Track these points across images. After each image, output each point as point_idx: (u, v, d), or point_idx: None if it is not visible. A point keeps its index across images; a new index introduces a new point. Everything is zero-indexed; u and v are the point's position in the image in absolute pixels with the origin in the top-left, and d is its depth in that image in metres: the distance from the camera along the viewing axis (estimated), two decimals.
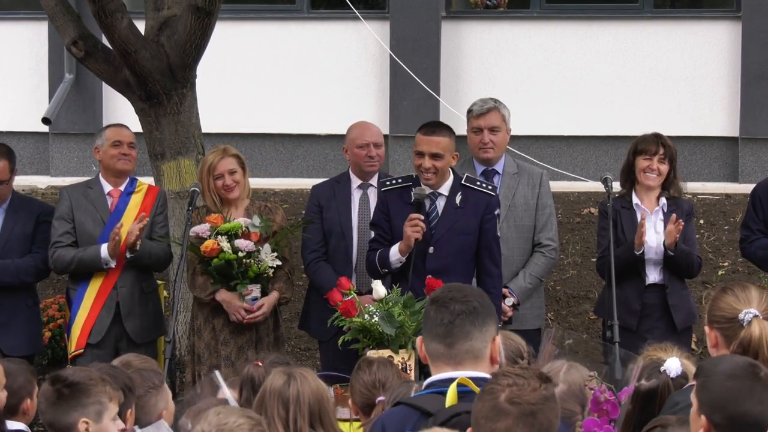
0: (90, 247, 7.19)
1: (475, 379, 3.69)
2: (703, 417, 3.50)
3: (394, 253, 6.60)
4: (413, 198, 6.60)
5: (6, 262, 7.28)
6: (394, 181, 6.81)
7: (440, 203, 6.71)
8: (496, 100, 7.39)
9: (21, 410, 5.13)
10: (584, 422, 3.93)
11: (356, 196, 7.39)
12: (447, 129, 6.72)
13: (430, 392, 3.78)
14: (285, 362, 5.11)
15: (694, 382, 3.69)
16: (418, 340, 3.93)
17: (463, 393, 3.68)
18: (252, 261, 6.96)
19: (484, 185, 6.78)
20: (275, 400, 4.41)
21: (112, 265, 7.15)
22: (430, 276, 6.47)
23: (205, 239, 6.94)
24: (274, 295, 7.14)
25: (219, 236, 6.92)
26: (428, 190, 6.64)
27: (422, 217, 6.54)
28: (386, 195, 6.78)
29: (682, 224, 7.01)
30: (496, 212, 6.79)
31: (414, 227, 6.48)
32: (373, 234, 6.83)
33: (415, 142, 6.71)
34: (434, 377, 3.83)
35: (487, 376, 3.70)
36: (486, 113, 7.30)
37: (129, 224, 7.22)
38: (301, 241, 7.40)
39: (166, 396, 4.91)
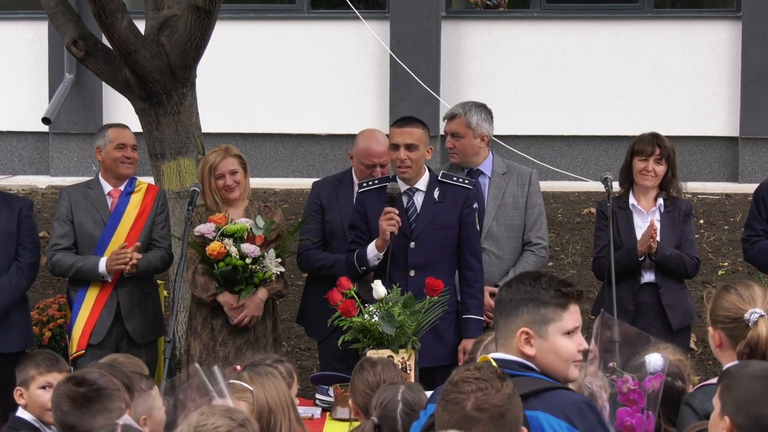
0: (90, 257, 7.17)
1: (498, 360, 3.75)
2: (726, 418, 3.46)
3: (371, 249, 6.55)
4: (387, 193, 6.56)
5: None
6: (371, 182, 6.78)
7: (418, 198, 6.68)
8: (469, 107, 7.29)
9: None
10: (617, 413, 3.93)
11: None
12: (420, 122, 6.75)
13: None
14: (279, 361, 5.09)
15: (695, 384, 3.67)
16: None
17: None
18: (257, 267, 6.93)
19: (460, 180, 6.77)
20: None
21: (109, 279, 7.15)
22: (413, 271, 6.53)
23: (210, 240, 6.92)
24: (261, 294, 7.01)
25: (225, 239, 6.90)
26: (404, 187, 6.63)
27: (396, 211, 6.49)
28: (363, 196, 6.73)
29: (657, 230, 6.99)
30: (474, 206, 6.77)
31: (389, 221, 6.44)
32: (350, 236, 6.75)
33: (389, 137, 6.74)
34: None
35: (509, 357, 3.76)
36: (449, 119, 7.34)
37: (128, 224, 7.23)
38: (299, 242, 7.36)
39: (151, 402, 4.71)
